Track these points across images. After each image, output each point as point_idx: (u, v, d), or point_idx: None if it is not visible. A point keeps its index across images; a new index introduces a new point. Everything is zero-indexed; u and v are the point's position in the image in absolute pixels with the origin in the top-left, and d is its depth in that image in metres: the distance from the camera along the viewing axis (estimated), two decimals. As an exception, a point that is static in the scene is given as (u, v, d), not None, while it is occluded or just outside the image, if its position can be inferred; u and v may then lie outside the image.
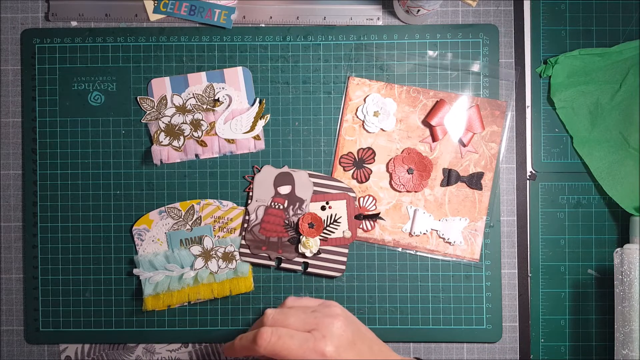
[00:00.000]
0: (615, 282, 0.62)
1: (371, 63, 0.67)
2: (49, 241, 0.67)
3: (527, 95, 0.68)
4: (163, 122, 0.67)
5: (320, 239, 0.66)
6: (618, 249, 0.62)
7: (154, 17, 0.68)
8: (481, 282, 0.67)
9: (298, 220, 0.66)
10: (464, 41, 0.67)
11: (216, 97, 0.67)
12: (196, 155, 0.67)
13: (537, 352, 0.67)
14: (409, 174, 0.66)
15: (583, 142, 0.67)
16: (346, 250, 0.66)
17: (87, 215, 0.67)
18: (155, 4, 0.68)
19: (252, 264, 0.67)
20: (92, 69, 0.68)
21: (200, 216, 0.67)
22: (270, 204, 0.66)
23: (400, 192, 0.67)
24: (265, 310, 0.53)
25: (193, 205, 0.67)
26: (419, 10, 0.64)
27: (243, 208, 0.67)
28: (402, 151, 0.67)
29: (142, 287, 0.66)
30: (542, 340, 0.67)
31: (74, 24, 0.68)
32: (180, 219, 0.67)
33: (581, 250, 0.67)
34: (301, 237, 0.66)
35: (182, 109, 0.67)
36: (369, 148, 0.67)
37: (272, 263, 0.66)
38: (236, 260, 0.66)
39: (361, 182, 0.67)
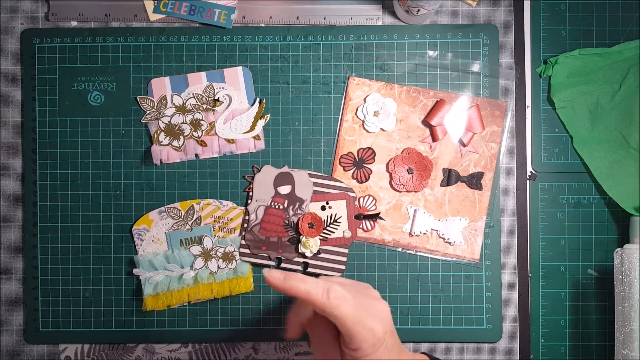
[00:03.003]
0: (615, 282, 0.62)
1: (371, 63, 0.67)
2: (49, 241, 0.67)
3: (527, 95, 0.68)
4: (163, 122, 0.67)
5: (320, 239, 0.66)
6: (618, 249, 0.62)
7: (154, 17, 0.68)
8: (481, 282, 0.67)
9: (298, 220, 0.66)
10: (464, 41, 0.67)
11: (216, 97, 0.67)
12: (196, 155, 0.67)
13: (537, 352, 0.67)
14: (409, 174, 0.66)
15: (583, 142, 0.67)
16: (346, 250, 0.66)
17: (87, 215, 0.67)
18: (155, 4, 0.68)
19: (252, 264, 0.67)
20: (92, 69, 0.68)
21: (200, 216, 0.67)
22: (270, 203, 0.66)
23: (400, 192, 0.67)
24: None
25: (193, 205, 0.67)
26: (419, 10, 0.64)
27: (243, 208, 0.67)
28: (402, 151, 0.67)
29: (142, 287, 0.66)
30: (542, 340, 0.67)
31: (74, 23, 0.68)
32: (180, 219, 0.67)
33: (581, 250, 0.67)
34: (301, 237, 0.66)
35: (182, 109, 0.67)
36: (369, 148, 0.67)
37: (272, 263, 0.66)
38: (236, 260, 0.66)
39: (361, 182, 0.67)
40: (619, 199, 0.66)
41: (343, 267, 0.66)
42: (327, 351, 0.51)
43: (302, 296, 0.46)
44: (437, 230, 0.66)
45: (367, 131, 0.67)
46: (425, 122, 0.67)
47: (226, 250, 0.66)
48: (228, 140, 0.67)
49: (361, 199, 0.67)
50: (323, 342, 0.51)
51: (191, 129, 0.67)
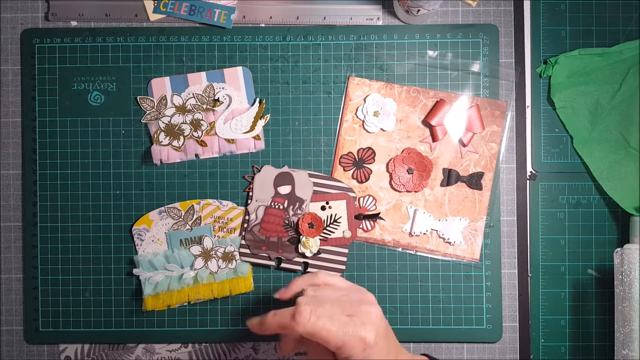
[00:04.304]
0: (615, 282, 0.62)
1: (371, 63, 0.67)
2: (49, 241, 0.67)
3: (527, 95, 0.68)
4: (163, 122, 0.67)
5: (320, 239, 0.66)
6: (618, 249, 0.62)
7: (154, 17, 0.68)
8: (481, 282, 0.67)
9: (298, 220, 0.66)
10: (464, 41, 0.67)
11: (216, 97, 0.67)
12: (196, 155, 0.67)
13: (537, 352, 0.67)
14: (409, 174, 0.66)
15: (583, 142, 0.67)
16: (346, 250, 0.66)
17: (87, 215, 0.67)
18: (155, 4, 0.68)
19: (252, 264, 0.67)
20: (92, 69, 0.68)
21: (200, 216, 0.67)
22: (270, 204, 0.66)
23: (400, 192, 0.67)
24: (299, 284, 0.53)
25: (193, 205, 0.67)
26: (419, 10, 0.64)
27: (243, 208, 0.67)
28: (402, 151, 0.67)
29: (142, 287, 0.66)
30: (542, 340, 0.67)
31: (74, 24, 0.68)
32: (180, 219, 0.67)
33: (581, 250, 0.67)
34: (301, 237, 0.66)
35: (182, 109, 0.67)
36: (369, 148, 0.67)
37: (272, 263, 0.66)
38: (236, 260, 0.66)
39: (361, 182, 0.67)
40: (619, 199, 0.66)
41: (343, 267, 0.66)
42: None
43: (278, 329, 0.49)
44: (437, 230, 0.66)
45: (367, 131, 0.67)
46: (425, 122, 0.67)
47: (226, 250, 0.66)
48: (228, 140, 0.67)
49: (361, 199, 0.67)
50: (320, 354, 0.51)
51: (191, 129, 0.67)
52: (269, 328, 0.50)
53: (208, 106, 0.67)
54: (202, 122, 0.67)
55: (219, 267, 0.66)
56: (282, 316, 0.49)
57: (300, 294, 0.53)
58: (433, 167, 0.67)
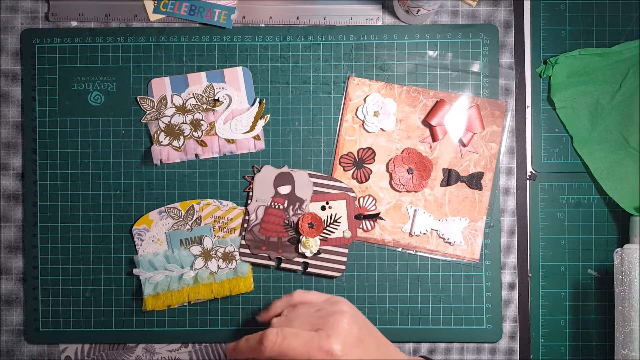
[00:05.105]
0: (615, 282, 0.62)
1: (371, 63, 0.67)
2: (49, 241, 0.67)
3: (527, 95, 0.68)
4: (163, 122, 0.67)
5: (320, 239, 0.66)
6: (618, 249, 0.62)
7: (154, 17, 0.68)
8: (481, 282, 0.67)
9: (298, 220, 0.66)
10: (464, 41, 0.67)
11: (216, 97, 0.67)
12: (196, 155, 0.67)
13: (537, 352, 0.67)
14: (409, 174, 0.66)
15: (583, 142, 0.67)
16: (346, 250, 0.66)
17: (87, 215, 0.67)
18: (155, 4, 0.68)
19: (252, 264, 0.67)
20: (92, 69, 0.68)
21: (200, 216, 0.67)
22: (270, 204, 0.66)
23: (400, 192, 0.67)
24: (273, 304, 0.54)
25: (193, 205, 0.67)
26: (419, 10, 0.64)
27: (243, 208, 0.67)
28: (402, 151, 0.67)
29: (142, 287, 0.66)
30: (542, 340, 0.67)
31: (74, 24, 0.68)
32: (180, 219, 0.67)
33: (581, 250, 0.67)
34: (301, 237, 0.66)
35: (182, 109, 0.67)
36: (369, 148, 0.67)
37: (272, 263, 0.66)
38: (236, 260, 0.66)
39: (361, 182, 0.67)
40: (619, 199, 0.66)
41: (343, 267, 0.66)
42: None
43: (250, 354, 0.50)
44: (437, 230, 0.66)
45: (367, 131, 0.67)
46: (425, 122, 0.67)
47: (226, 250, 0.66)
48: (228, 140, 0.67)
49: (361, 199, 0.67)
50: None
51: (191, 129, 0.67)
52: (242, 352, 0.51)
53: (208, 106, 0.67)
54: (202, 122, 0.67)
55: (219, 267, 0.66)
56: (253, 340, 0.50)
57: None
58: (433, 167, 0.67)
